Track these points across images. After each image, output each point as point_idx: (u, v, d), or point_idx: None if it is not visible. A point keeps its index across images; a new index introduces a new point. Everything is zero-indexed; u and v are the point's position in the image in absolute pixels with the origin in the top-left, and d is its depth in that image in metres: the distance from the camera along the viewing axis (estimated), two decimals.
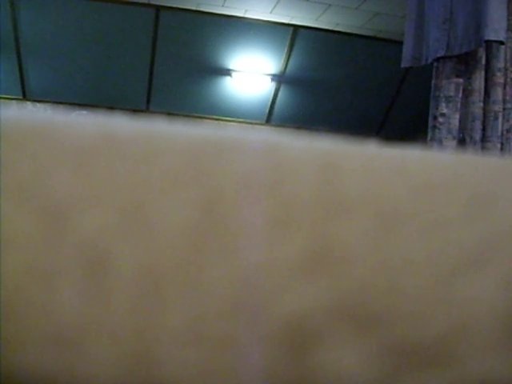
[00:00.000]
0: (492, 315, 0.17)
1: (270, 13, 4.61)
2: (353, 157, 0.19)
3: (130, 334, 0.16)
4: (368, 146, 0.20)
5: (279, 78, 5.15)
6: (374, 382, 0.17)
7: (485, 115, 1.98)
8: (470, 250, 0.17)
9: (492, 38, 1.85)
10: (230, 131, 0.20)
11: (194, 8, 4.60)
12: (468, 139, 1.98)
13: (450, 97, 2.00)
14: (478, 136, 1.97)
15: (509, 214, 0.18)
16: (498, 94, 1.96)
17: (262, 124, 5.47)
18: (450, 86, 2.01)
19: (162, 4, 4.57)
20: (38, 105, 5.15)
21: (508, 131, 1.98)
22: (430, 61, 2.06)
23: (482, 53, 1.97)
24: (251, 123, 5.43)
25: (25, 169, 0.17)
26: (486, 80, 1.98)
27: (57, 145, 0.18)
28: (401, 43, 2.18)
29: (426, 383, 0.17)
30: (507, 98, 1.97)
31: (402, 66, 2.18)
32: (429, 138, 2.03)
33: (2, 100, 5.01)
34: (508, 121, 1.98)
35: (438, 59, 2.02)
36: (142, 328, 0.16)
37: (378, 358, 0.17)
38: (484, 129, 1.98)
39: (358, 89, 5.21)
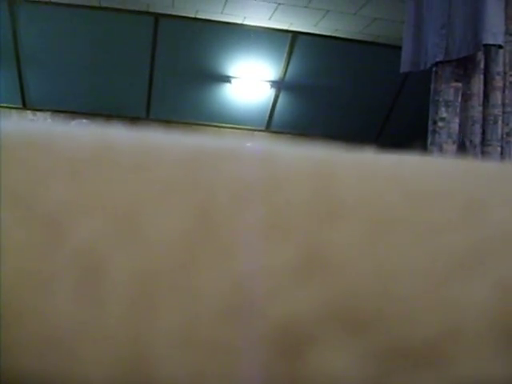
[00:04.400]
0: (483, 319, 0.17)
1: (269, 19, 4.63)
2: (347, 164, 0.19)
3: (123, 338, 0.16)
4: (363, 153, 0.20)
5: (279, 85, 5.17)
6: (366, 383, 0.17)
7: (484, 119, 1.98)
8: (462, 255, 0.17)
9: (490, 41, 1.86)
10: (225, 140, 0.20)
11: (192, 15, 4.62)
12: (468, 143, 1.98)
13: (450, 101, 2.01)
14: (477, 140, 1.97)
15: (503, 219, 0.18)
16: (497, 97, 1.97)
17: (261, 130, 5.48)
18: (450, 91, 2.01)
19: (160, 12, 4.59)
20: (37, 114, 5.17)
21: (508, 135, 1.99)
22: (428, 65, 2.06)
23: (480, 57, 1.97)
24: (251, 130, 5.44)
25: (20, 178, 0.17)
26: (485, 84, 1.98)
27: (52, 154, 0.18)
28: (400, 48, 2.19)
29: None
30: (506, 101, 1.98)
31: (401, 71, 2.18)
32: (429, 142, 2.04)
33: (2, 109, 5.03)
34: (508, 124, 1.99)
35: (436, 64, 2.03)
36: (135, 332, 0.17)
37: (370, 360, 0.17)
38: (484, 132, 1.98)
39: (358, 94, 5.22)
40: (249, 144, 0.19)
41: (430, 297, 0.17)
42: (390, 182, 0.19)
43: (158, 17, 4.64)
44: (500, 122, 1.97)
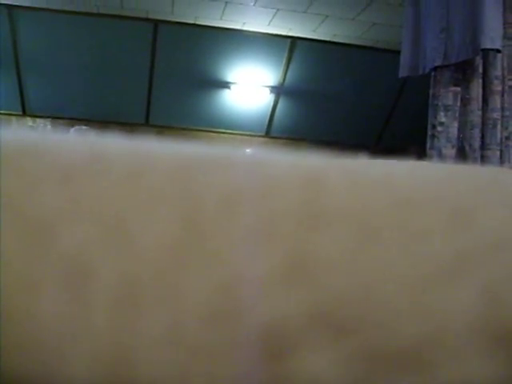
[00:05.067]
0: (468, 325, 0.17)
1: (268, 25, 4.64)
2: (337, 171, 0.19)
3: (109, 341, 0.17)
4: (353, 160, 0.20)
5: (278, 90, 5.18)
6: None
7: (483, 123, 1.98)
8: (448, 262, 0.18)
9: (488, 46, 1.86)
10: (215, 147, 0.20)
11: (192, 22, 4.64)
12: (467, 147, 1.98)
13: (449, 105, 2.01)
14: (477, 144, 1.97)
15: (490, 226, 0.18)
16: (496, 101, 1.97)
17: (261, 136, 5.49)
18: (448, 95, 2.01)
19: (160, 18, 4.60)
20: (37, 120, 5.18)
21: (507, 138, 1.99)
22: (427, 70, 2.06)
23: (479, 61, 1.98)
24: (251, 135, 5.45)
25: (12, 184, 0.18)
26: (484, 88, 1.99)
27: (44, 162, 0.18)
28: (398, 53, 2.20)
29: None
30: (505, 105, 1.98)
31: (400, 75, 2.18)
32: (428, 147, 2.04)
33: (2, 116, 5.03)
34: (507, 128, 1.99)
35: (435, 68, 2.03)
36: (121, 335, 0.17)
37: (353, 365, 0.17)
38: (483, 137, 1.99)
39: (357, 99, 5.23)
40: (239, 151, 0.20)
41: (414, 303, 0.17)
42: (378, 189, 0.19)
43: (157, 23, 4.65)
44: (499, 126, 1.97)
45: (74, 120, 4.95)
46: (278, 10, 4.35)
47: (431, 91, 2.07)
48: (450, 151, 1.99)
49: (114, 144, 0.20)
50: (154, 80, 4.99)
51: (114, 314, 0.17)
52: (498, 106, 1.97)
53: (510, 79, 1.99)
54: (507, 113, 1.99)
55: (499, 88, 1.98)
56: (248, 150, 0.20)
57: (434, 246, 0.18)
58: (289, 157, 0.20)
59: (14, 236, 0.17)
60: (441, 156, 1.99)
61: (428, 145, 2.04)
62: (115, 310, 0.17)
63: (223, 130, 5.41)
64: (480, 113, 1.98)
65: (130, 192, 0.18)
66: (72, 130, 3.05)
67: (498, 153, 1.97)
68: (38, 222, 0.17)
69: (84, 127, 3.64)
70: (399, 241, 0.18)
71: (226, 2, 4.28)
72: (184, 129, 5.25)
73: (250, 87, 5.13)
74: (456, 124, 2.00)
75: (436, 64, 2.01)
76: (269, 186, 0.18)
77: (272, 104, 5.29)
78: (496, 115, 1.97)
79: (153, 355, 0.17)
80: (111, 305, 0.17)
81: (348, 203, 0.18)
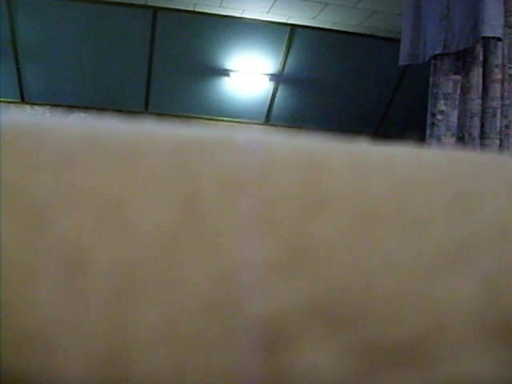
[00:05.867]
0: (469, 315, 0.17)
1: (267, 12, 4.61)
2: (337, 155, 0.19)
3: (104, 332, 0.16)
4: (354, 145, 0.20)
5: (277, 78, 5.16)
6: (349, 381, 0.17)
7: (483, 112, 1.98)
8: (449, 249, 0.17)
9: (489, 34, 1.85)
10: (214, 131, 0.20)
11: (191, 9, 4.61)
12: (467, 136, 1.98)
13: (448, 94, 2.00)
14: (476, 133, 1.97)
15: (492, 212, 0.18)
16: (496, 90, 1.96)
17: (260, 124, 5.47)
18: (448, 83, 2.00)
19: (159, 5, 4.57)
20: (36, 108, 5.16)
21: (507, 127, 1.98)
22: (427, 58, 2.05)
23: (479, 49, 1.97)
24: (250, 123, 5.43)
25: (8, 168, 0.17)
26: (484, 76, 1.98)
27: (40, 146, 0.18)
28: (398, 41, 2.18)
29: (400, 383, 0.17)
30: (505, 94, 1.97)
31: (400, 63, 2.18)
32: (427, 135, 2.03)
33: (1, 103, 5.01)
34: (506, 117, 1.98)
35: (435, 56, 2.02)
36: (116, 325, 0.17)
37: (353, 357, 0.17)
38: (483, 125, 1.98)
39: (357, 87, 5.21)
40: (239, 135, 0.19)
41: (414, 293, 0.17)
42: (380, 174, 0.18)
43: (156, 10, 4.62)
44: (499, 115, 1.97)
45: (72, 107, 4.94)
46: None
47: (431, 79, 2.06)
48: (450, 139, 1.99)
49: (112, 127, 0.19)
50: (153, 67, 4.97)
51: (109, 305, 0.16)
52: (498, 94, 1.97)
53: (510, 67, 1.98)
54: (507, 101, 1.98)
55: (499, 76, 1.97)
56: (247, 133, 0.20)
57: (435, 233, 0.17)
58: (289, 141, 0.19)
59: (9, 222, 0.17)
60: (440, 144, 1.99)
61: (428, 133, 2.03)
62: (111, 301, 0.16)
63: (223, 118, 5.39)
64: (480, 101, 1.97)
65: (127, 176, 0.17)
66: (71, 117, 3.03)
67: (498, 142, 1.97)
68: (33, 208, 0.17)
69: (83, 114, 3.63)
70: (400, 227, 0.17)
71: None
72: (183, 116, 5.23)
73: (249, 75, 5.11)
74: (456, 112, 1.99)
75: (436, 52, 2.00)
76: (269, 169, 0.18)
77: (271, 92, 5.26)
78: (496, 104, 1.97)
79: (149, 347, 0.16)
80: (107, 295, 0.16)
81: (348, 188, 0.18)
